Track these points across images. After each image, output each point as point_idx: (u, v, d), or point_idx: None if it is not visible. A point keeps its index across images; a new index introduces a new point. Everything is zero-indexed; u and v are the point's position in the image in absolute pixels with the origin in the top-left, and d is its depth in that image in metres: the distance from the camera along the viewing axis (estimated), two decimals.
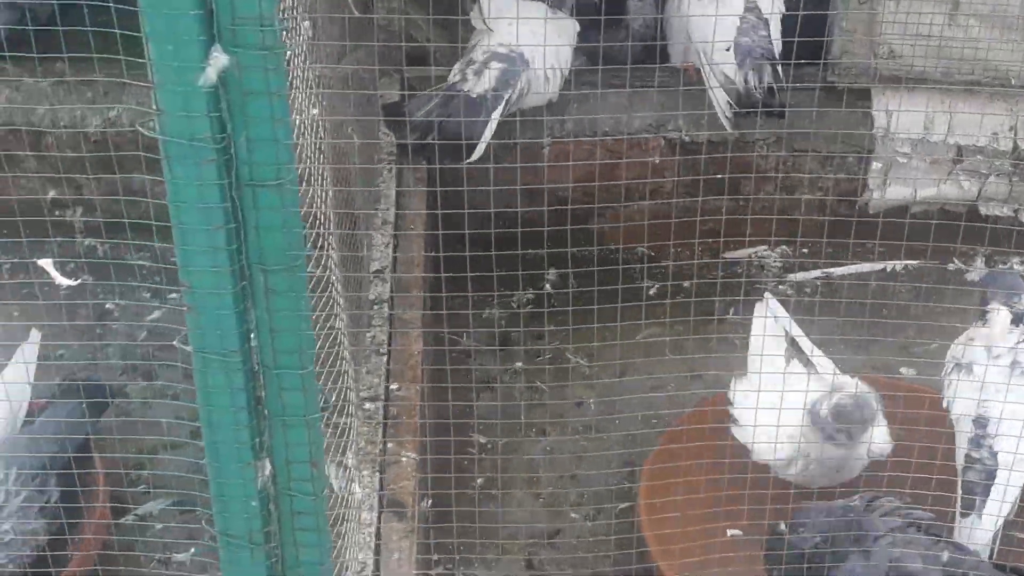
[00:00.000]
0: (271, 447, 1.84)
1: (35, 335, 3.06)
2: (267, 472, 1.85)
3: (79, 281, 1.67)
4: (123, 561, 3.07)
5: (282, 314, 1.74)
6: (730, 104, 3.51)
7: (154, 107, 1.57)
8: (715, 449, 2.97)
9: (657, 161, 3.80)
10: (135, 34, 1.56)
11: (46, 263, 1.74)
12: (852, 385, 2.95)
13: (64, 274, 1.68)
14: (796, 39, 3.09)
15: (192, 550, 3.13)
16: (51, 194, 3.71)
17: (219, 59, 1.55)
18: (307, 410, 1.82)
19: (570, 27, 3.70)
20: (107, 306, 3.64)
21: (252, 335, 1.76)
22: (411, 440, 2.89)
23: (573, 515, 3.30)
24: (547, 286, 3.83)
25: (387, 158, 3.53)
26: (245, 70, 1.58)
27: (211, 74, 1.55)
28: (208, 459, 1.83)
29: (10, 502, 2.76)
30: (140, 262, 3.81)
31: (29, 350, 3.04)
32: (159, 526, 3.20)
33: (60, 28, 2.41)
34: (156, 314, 3.68)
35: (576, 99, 3.75)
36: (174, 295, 3.79)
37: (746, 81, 3.47)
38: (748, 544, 2.98)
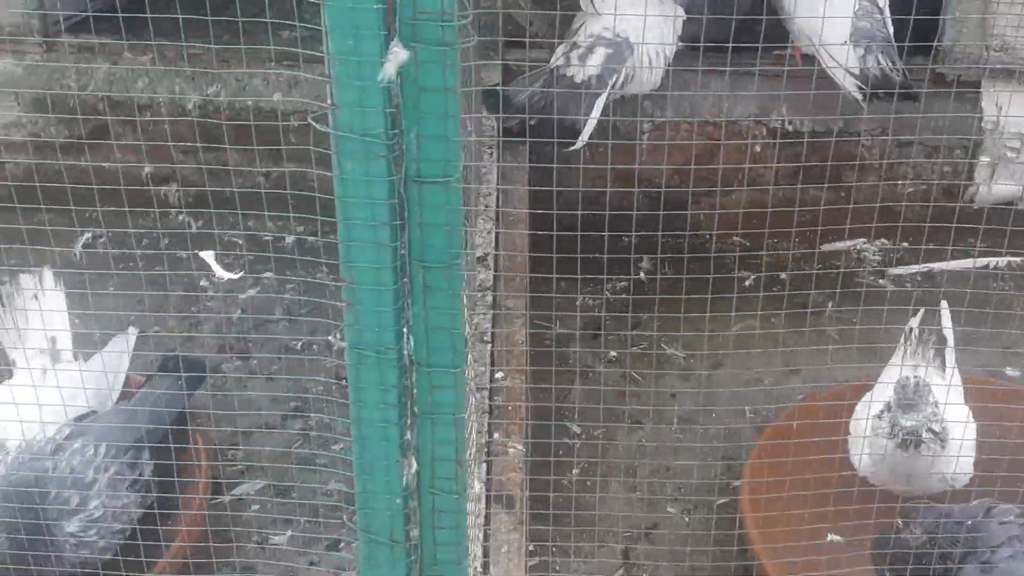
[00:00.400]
0: (417, 445, 1.82)
1: (132, 331, 3.07)
2: (412, 470, 1.83)
3: (240, 275, 1.65)
4: (219, 541, 3.06)
5: (438, 312, 1.72)
6: (860, 88, 3.43)
7: (329, 102, 1.54)
8: (820, 448, 2.92)
9: (758, 149, 3.73)
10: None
11: (207, 255, 1.70)
12: (955, 412, 2.85)
13: (224, 267, 1.65)
14: (911, 19, 3.02)
15: (288, 533, 3.12)
16: (147, 169, 3.71)
17: (399, 54, 1.51)
18: (456, 408, 1.79)
19: (675, 14, 3.63)
20: (201, 283, 3.64)
21: (406, 333, 1.74)
22: (517, 431, 2.86)
23: (670, 509, 3.26)
24: (640, 274, 3.78)
25: (488, 142, 3.48)
26: (422, 65, 1.54)
27: (390, 69, 1.52)
28: (355, 455, 1.81)
29: (99, 478, 2.75)
30: (234, 239, 3.82)
31: (123, 341, 3.03)
32: (255, 507, 3.19)
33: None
34: (251, 292, 3.68)
35: (676, 83, 3.68)
36: (268, 273, 3.79)
37: (878, 63, 3.39)
38: (850, 547, 2.94)
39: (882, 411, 2.78)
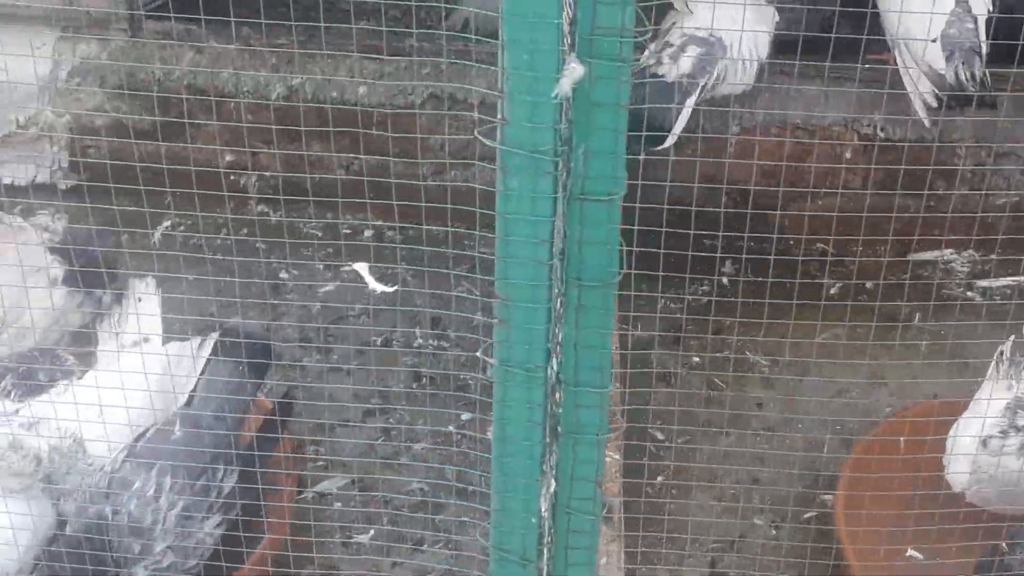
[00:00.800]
0: (558, 464, 1.78)
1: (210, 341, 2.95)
2: (551, 489, 1.79)
3: (395, 288, 1.61)
4: (300, 541, 3.04)
5: (589, 331, 1.68)
6: (936, 95, 3.37)
7: (499, 117, 1.50)
8: (917, 464, 2.88)
9: (848, 155, 3.67)
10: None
11: (361, 267, 1.67)
12: None
13: (378, 279, 1.61)
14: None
15: (371, 532, 3.10)
16: (228, 158, 3.68)
17: (575, 70, 1.47)
18: (600, 428, 1.75)
19: (769, 14, 3.57)
20: (281, 275, 3.61)
21: (554, 351, 1.70)
22: (613, 439, 2.82)
23: (757, 520, 3.22)
24: (723, 278, 3.73)
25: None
26: (597, 81, 1.50)
27: (565, 85, 1.47)
28: (494, 472, 1.77)
29: (165, 518, 2.52)
30: (314, 231, 3.78)
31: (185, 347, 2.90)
32: (338, 505, 3.16)
33: None
34: (329, 287, 3.64)
35: (767, 88, 3.63)
36: (346, 268, 3.75)
37: (956, 73, 3.33)
38: (948, 569, 2.89)
39: (1003, 429, 2.73)
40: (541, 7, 1.42)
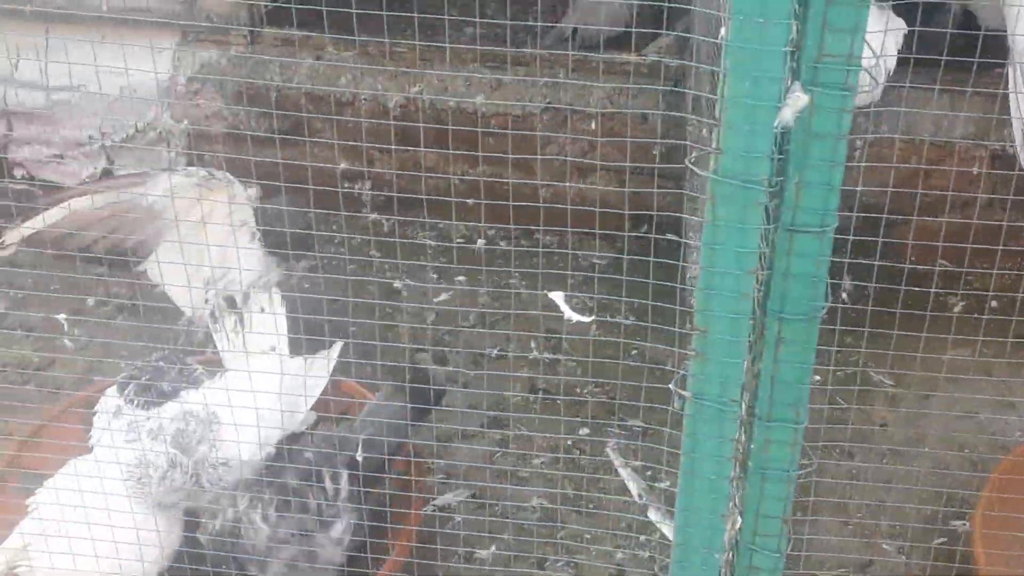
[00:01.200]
0: (745, 500, 1.73)
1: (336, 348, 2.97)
2: (737, 526, 1.74)
3: (591, 318, 1.57)
4: (423, 554, 3.00)
5: (788, 365, 1.62)
6: None
7: (713, 146, 1.45)
8: None
9: (975, 171, 3.58)
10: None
11: (557, 296, 1.63)
12: None
13: (574, 308, 1.58)
14: None
15: (492, 547, 3.06)
16: (342, 165, 3.65)
17: (800, 99, 1.41)
18: (791, 465, 1.70)
19: (897, 24, 3.48)
20: (395, 284, 3.59)
21: (749, 386, 1.65)
22: None
23: (885, 546, 3.14)
24: (844, 295, 3.65)
25: (697, 155, 3.37)
26: (818, 111, 1.44)
27: (787, 114, 1.42)
28: (679, 506, 1.72)
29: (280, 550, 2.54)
30: (428, 241, 3.76)
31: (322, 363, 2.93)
32: (458, 518, 3.12)
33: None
34: (443, 296, 3.61)
35: (892, 99, 3.54)
36: (461, 277, 3.72)
37: None
38: None
39: None
40: (768, 34, 1.37)
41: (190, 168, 2.63)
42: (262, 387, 2.51)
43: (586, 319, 1.65)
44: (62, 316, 3.43)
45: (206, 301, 2.80)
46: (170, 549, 2.57)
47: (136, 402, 2.79)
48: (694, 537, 1.74)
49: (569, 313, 1.66)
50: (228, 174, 2.59)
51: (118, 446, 2.51)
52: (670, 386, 1.62)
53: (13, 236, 2.49)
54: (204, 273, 2.70)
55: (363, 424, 2.77)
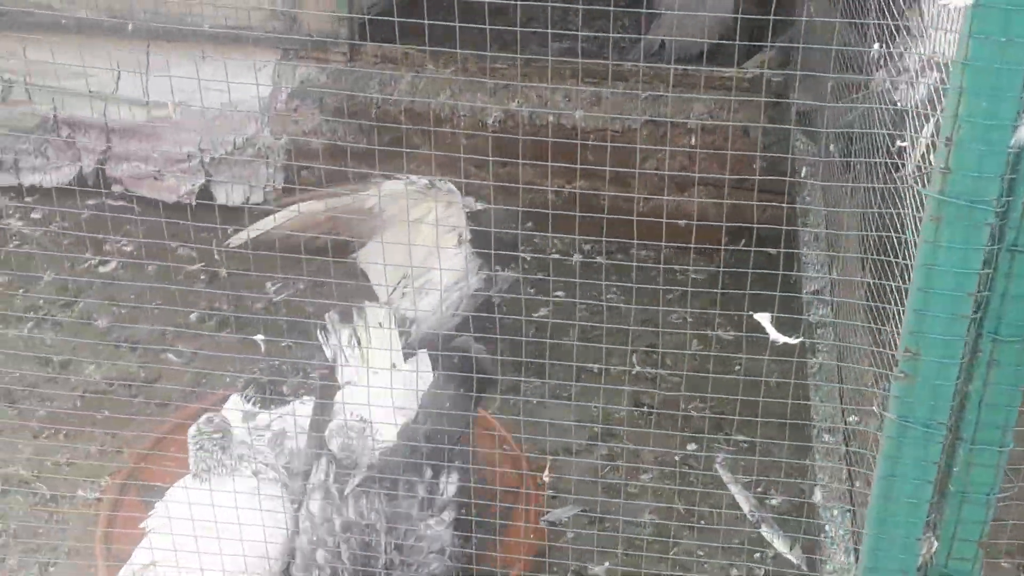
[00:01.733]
0: (942, 523, 1.71)
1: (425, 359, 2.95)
2: (932, 549, 1.72)
3: (799, 339, 1.55)
4: (534, 569, 2.98)
5: (999, 387, 1.60)
6: None
7: (941, 165, 1.43)
8: None
9: None
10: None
11: (762, 317, 1.61)
12: None
13: (780, 330, 1.56)
14: None
15: (606, 564, 3.03)
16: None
17: None
18: (992, 488, 1.67)
19: None
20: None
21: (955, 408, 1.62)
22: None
23: (1004, 564, 3.10)
24: None
25: (809, 169, 3.35)
26: None
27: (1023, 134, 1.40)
28: (870, 527, 1.70)
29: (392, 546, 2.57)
30: (524, 254, 3.74)
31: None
32: (570, 534, 3.10)
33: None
34: (542, 311, 3.60)
35: None
36: (560, 293, 3.71)
37: None
38: None
39: None
40: (1008, 53, 1.35)
41: (412, 176, 2.81)
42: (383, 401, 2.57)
43: (792, 340, 1.63)
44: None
45: (403, 294, 2.95)
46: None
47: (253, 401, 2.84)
48: (887, 560, 1.72)
49: (775, 335, 1.64)
50: (450, 183, 2.76)
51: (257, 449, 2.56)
52: (874, 408, 1.59)
53: (240, 237, 2.76)
54: (403, 269, 2.87)
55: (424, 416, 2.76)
